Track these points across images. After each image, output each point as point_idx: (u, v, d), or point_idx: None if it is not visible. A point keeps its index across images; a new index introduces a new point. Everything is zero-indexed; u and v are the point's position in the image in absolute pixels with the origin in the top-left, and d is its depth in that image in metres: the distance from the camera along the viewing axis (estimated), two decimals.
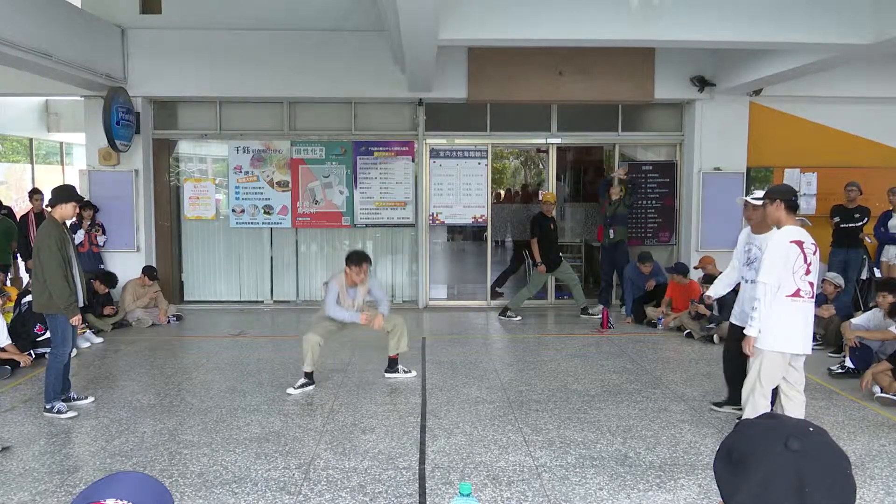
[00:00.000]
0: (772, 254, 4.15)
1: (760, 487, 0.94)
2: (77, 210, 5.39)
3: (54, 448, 4.60)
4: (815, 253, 4.23)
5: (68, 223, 5.49)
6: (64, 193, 5.25)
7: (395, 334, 6.20)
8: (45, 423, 5.06)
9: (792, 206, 4.27)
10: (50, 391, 5.21)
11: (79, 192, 5.44)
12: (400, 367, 6.30)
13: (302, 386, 5.82)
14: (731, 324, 5.07)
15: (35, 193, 9.73)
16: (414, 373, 6.30)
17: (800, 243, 4.17)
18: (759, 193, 4.79)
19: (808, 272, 4.17)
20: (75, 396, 5.46)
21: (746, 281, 4.86)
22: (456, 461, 4.32)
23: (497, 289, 10.21)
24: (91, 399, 5.52)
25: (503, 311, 9.10)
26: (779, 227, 4.30)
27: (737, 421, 4.40)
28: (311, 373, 5.91)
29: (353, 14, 9.06)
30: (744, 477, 0.96)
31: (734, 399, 5.03)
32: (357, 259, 5.95)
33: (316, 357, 5.89)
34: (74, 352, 6.30)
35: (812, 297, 4.24)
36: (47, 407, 5.19)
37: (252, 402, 5.51)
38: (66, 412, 5.17)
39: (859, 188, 8.76)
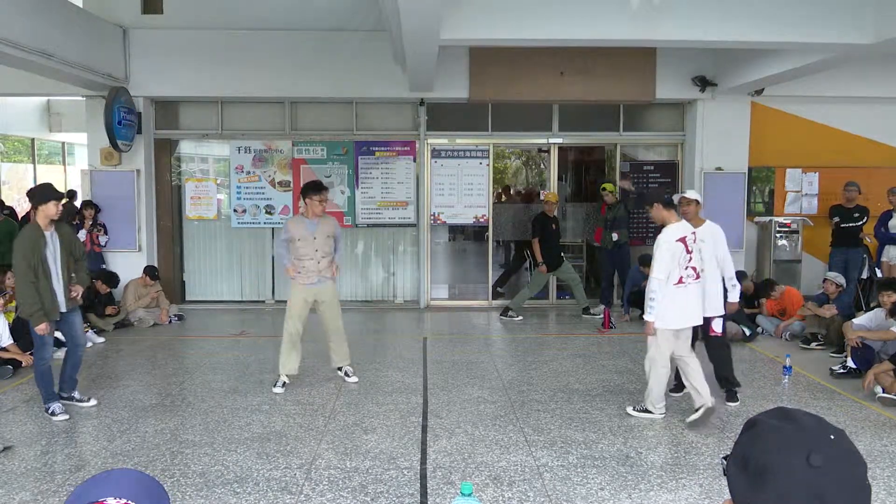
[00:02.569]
0: (662, 252, 4.90)
1: (778, 502, 0.93)
2: (59, 207, 5.16)
3: (56, 448, 4.60)
4: (695, 241, 5.00)
5: (67, 222, 5.42)
6: (41, 194, 5.07)
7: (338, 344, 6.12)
8: (47, 422, 5.06)
9: (668, 204, 5.06)
10: (42, 393, 5.21)
11: (57, 189, 5.21)
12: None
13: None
14: None
15: None
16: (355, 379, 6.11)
17: (683, 239, 4.94)
18: (692, 192, 5.64)
19: (690, 259, 4.95)
20: (77, 397, 5.45)
21: (694, 269, 5.33)
22: (457, 461, 4.33)
23: (498, 289, 10.22)
24: (93, 402, 5.47)
25: (504, 311, 9.10)
26: (665, 224, 5.01)
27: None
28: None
29: (355, 14, 9.06)
30: (761, 491, 0.94)
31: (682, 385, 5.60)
32: (314, 187, 5.83)
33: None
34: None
35: (696, 277, 5.02)
36: (45, 408, 5.20)
37: (253, 402, 5.51)
38: (59, 415, 5.13)
39: (858, 188, 8.76)
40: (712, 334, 5.47)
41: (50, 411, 5.15)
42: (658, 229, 5.16)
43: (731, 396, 5.52)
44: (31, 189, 5.27)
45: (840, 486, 0.93)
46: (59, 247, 5.16)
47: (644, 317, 5.08)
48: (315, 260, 5.84)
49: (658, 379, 5.10)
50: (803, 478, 0.92)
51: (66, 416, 5.15)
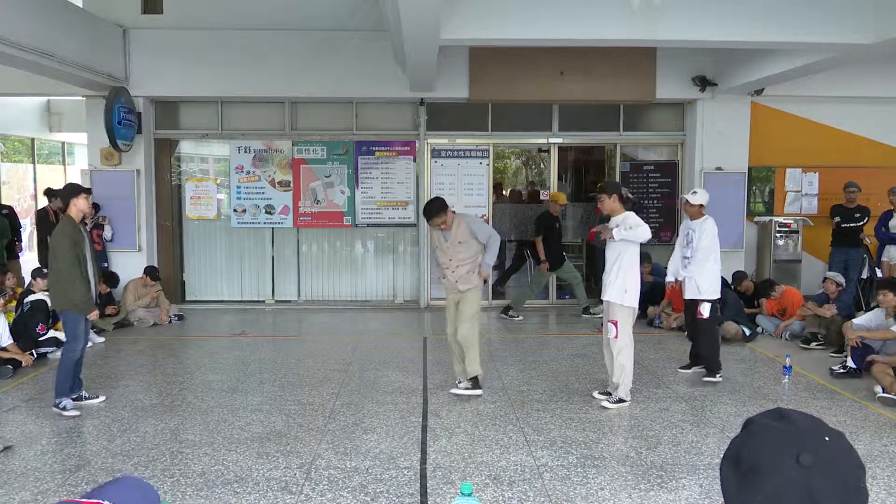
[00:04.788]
0: (637, 232, 5.19)
1: (768, 502, 0.91)
2: (90, 201, 5.41)
3: (56, 447, 4.60)
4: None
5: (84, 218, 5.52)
6: (71, 190, 5.29)
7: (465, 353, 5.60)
8: (47, 422, 5.07)
9: (623, 199, 5.47)
10: (59, 387, 5.22)
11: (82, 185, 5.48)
12: (462, 384, 5.71)
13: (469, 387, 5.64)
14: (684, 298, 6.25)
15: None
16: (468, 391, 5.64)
17: None
18: (693, 194, 6.12)
19: None
20: (86, 395, 5.45)
21: (686, 258, 6.05)
22: (457, 461, 4.33)
23: (499, 288, 10.22)
24: (102, 398, 5.51)
25: (505, 311, 9.11)
26: (613, 215, 5.37)
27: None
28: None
29: (355, 14, 9.06)
30: (751, 490, 0.92)
31: (696, 360, 6.28)
32: (429, 212, 5.47)
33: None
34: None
35: None
36: (56, 402, 5.21)
37: (253, 402, 5.51)
38: (71, 410, 5.17)
39: (858, 188, 8.77)
40: (699, 317, 5.98)
41: (62, 406, 5.17)
42: (657, 230, 5.40)
43: (710, 374, 6.04)
44: (59, 189, 5.45)
45: (833, 488, 0.90)
46: (88, 241, 5.36)
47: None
48: (451, 269, 5.55)
49: (630, 361, 5.34)
50: (793, 477, 0.90)
51: (77, 413, 5.17)
